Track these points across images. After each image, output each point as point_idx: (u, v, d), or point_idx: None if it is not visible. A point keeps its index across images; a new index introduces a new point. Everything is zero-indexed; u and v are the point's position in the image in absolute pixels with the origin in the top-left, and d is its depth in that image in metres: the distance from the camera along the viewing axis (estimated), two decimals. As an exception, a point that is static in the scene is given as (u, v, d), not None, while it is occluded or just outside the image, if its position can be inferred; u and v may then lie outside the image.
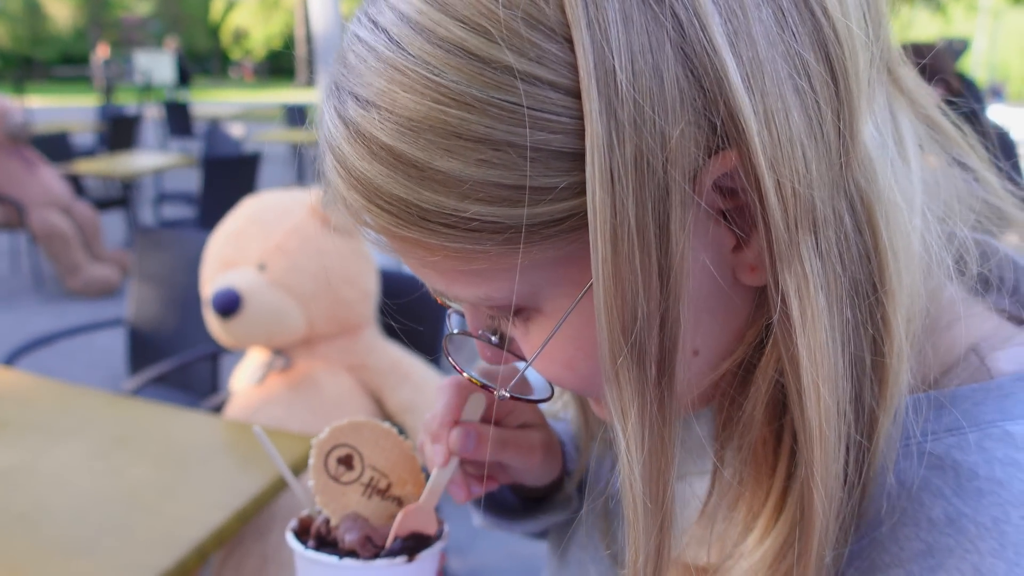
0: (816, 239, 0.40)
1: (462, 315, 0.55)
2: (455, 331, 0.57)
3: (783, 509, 0.45)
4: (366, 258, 2.21)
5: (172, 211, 7.11)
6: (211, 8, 43.29)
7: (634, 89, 0.36)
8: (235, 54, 45.01)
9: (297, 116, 11.01)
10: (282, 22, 41.82)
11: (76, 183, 6.76)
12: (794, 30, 0.39)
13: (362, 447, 0.60)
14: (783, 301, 0.41)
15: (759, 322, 0.45)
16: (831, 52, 0.39)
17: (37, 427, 1.75)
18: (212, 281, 2.10)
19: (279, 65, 55.13)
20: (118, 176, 6.51)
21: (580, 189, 0.39)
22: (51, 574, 1.24)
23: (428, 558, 0.59)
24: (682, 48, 0.37)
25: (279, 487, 1.51)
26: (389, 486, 0.61)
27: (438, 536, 0.61)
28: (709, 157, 0.38)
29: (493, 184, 0.39)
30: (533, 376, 0.56)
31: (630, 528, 0.44)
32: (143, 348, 2.89)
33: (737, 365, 0.47)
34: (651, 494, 0.43)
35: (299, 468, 0.54)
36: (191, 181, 10.01)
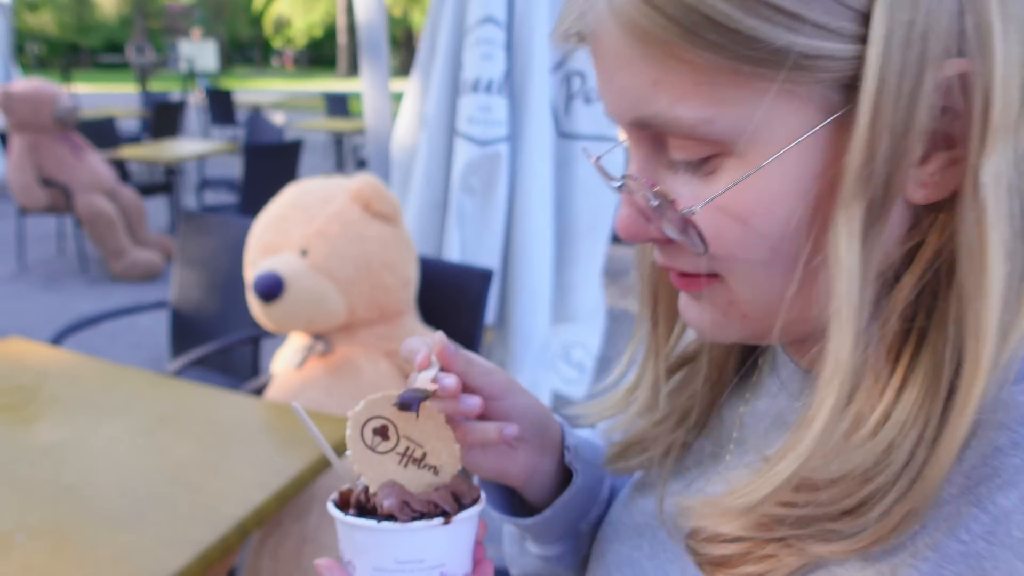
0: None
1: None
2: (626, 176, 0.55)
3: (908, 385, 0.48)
4: (407, 245, 2.22)
5: (214, 197, 7.21)
6: (253, -3, 43.70)
7: None
8: (276, 43, 45.39)
9: (337, 105, 11.08)
10: (324, 11, 42.06)
11: (121, 168, 6.88)
12: None
13: (396, 418, 0.61)
14: (978, 192, 0.44)
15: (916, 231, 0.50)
16: None
17: (84, 405, 1.79)
18: (255, 265, 2.12)
19: (320, 54, 55.54)
20: (162, 162, 6.61)
21: (852, 39, 0.43)
22: (99, 544, 1.27)
23: (466, 521, 0.60)
24: None
25: (318, 468, 1.53)
26: (424, 455, 0.62)
27: (475, 502, 0.62)
28: (948, 58, 0.43)
29: (776, 6, 0.42)
30: None
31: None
32: (186, 331, 2.94)
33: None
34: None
35: (339, 450, 0.55)
36: (233, 168, 10.14)
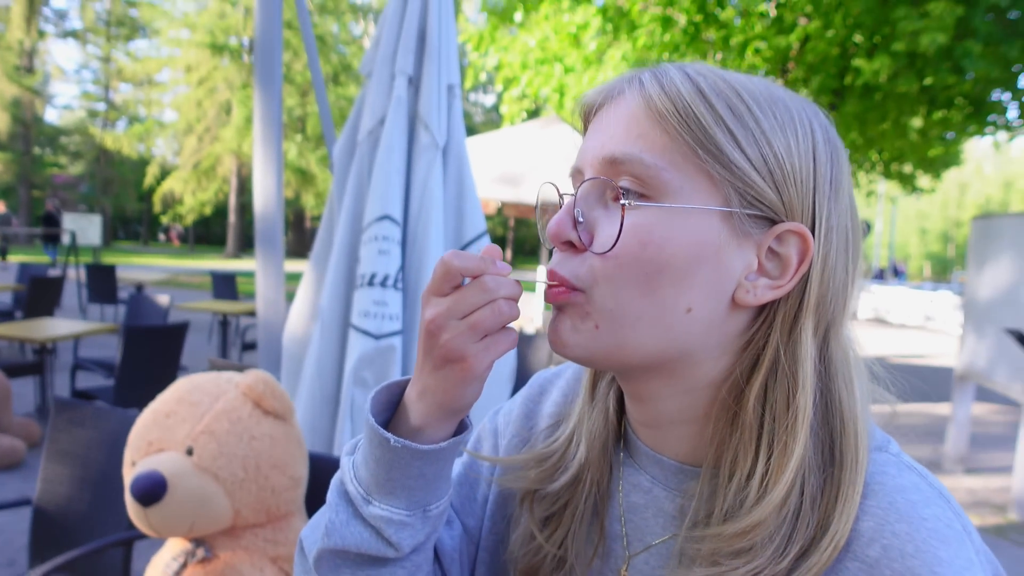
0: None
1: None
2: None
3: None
4: (298, 443, 2.18)
5: (88, 379, 6.88)
6: (146, 172, 43.69)
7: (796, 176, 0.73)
8: (165, 219, 45.14)
9: (225, 285, 10.97)
10: (215, 190, 42.38)
11: (-12, 347, 6.51)
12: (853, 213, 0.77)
13: None
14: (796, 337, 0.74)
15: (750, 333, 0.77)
16: (856, 239, 0.77)
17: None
18: (135, 464, 2.03)
19: (209, 232, 55.45)
20: (35, 341, 6.32)
21: (768, 187, 0.73)
22: None
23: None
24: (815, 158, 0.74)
25: None
26: None
27: None
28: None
29: (735, 138, 0.71)
30: None
31: None
32: (49, 532, 2.73)
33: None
34: None
35: None
36: (110, 348, 9.77)
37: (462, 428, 0.81)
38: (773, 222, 0.72)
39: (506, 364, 3.21)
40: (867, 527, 0.68)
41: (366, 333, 2.87)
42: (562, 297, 0.75)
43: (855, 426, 0.72)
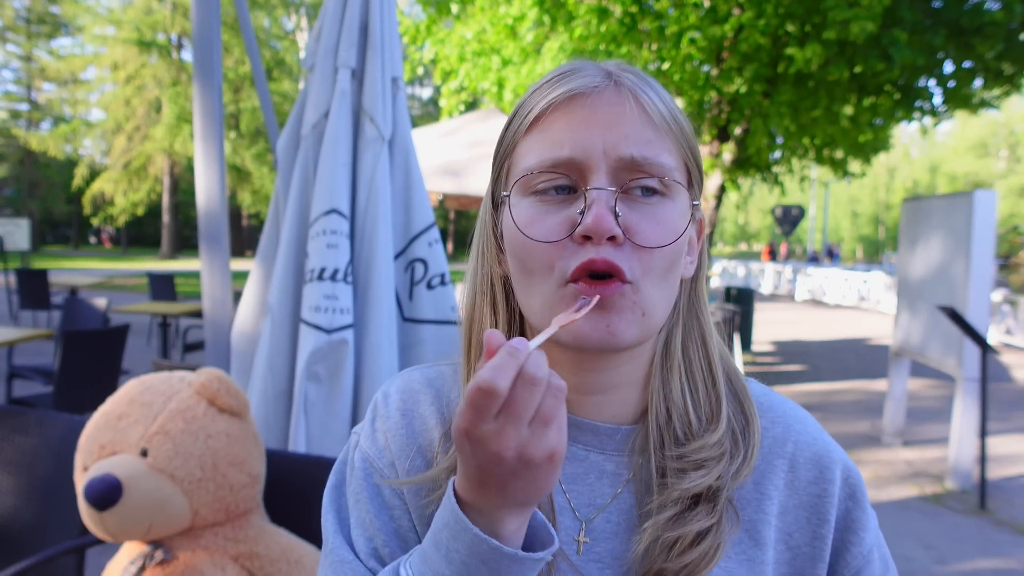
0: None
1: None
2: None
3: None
4: (255, 439, 2.16)
5: (25, 388, 6.68)
6: (74, 174, 42.43)
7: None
8: (95, 221, 43.93)
9: (163, 287, 10.74)
10: (148, 190, 41.37)
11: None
12: None
13: None
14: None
15: None
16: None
17: None
18: (88, 469, 1.99)
19: (142, 234, 54.12)
20: (-35, 350, 6.12)
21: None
22: None
23: None
24: None
25: None
26: None
27: None
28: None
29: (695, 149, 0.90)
30: None
31: None
32: (-5, 542, 2.65)
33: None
34: None
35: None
36: (46, 355, 9.49)
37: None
38: (696, 207, 0.90)
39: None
40: (778, 431, 0.95)
41: (317, 328, 2.85)
42: (617, 290, 0.81)
43: (731, 362, 0.96)
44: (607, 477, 0.91)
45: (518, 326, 0.95)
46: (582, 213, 0.81)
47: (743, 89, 10.29)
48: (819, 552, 0.91)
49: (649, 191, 0.83)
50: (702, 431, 0.89)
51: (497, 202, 0.94)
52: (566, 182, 0.83)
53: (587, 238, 0.81)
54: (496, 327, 0.93)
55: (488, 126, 9.09)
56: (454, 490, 0.74)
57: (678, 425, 0.89)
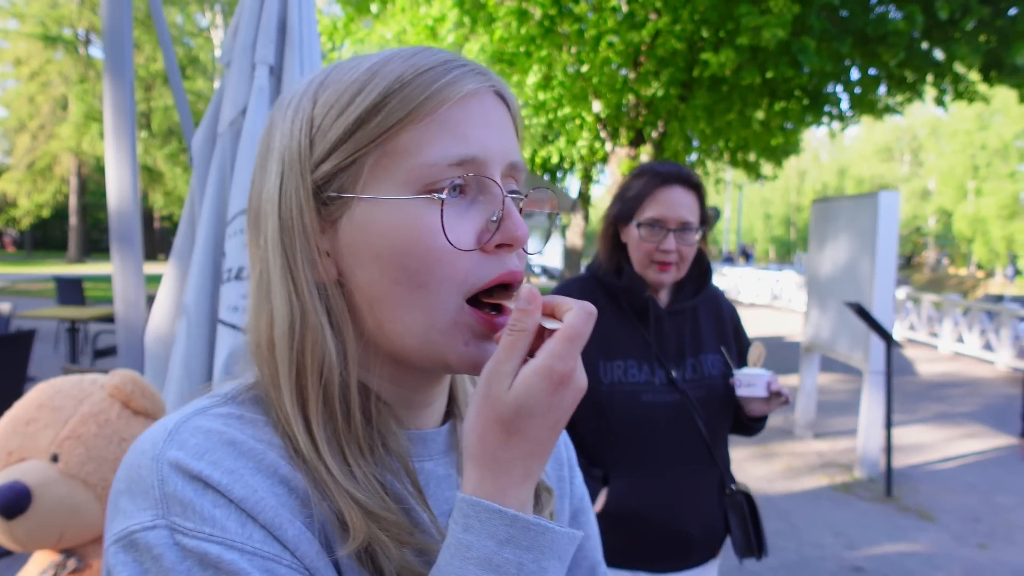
0: None
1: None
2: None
3: None
4: (171, 443, 2.10)
5: (-80, 396, 6.34)
6: (-28, 175, 40.52)
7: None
8: (-3, 223, 42.07)
9: (71, 291, 10.37)
10: (53, 190, 39.78)
11: None
12: None
13: None
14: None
15: None
16: None
17: None
18: (-6, 476, 1.91)
19: (48, 237, 52.01)
20: None
21: None
22: None
23: None
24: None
25: None
26: None
27: None
28: None
29: None
30: None
31: None
32: None
33: None
34: None
35: None
36: (-57, 361, 9.02)
37: None
38: None
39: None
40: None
41: (235, 328, 2.80)
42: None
43: None
44: (443, 481, 0.87)
45: (362, 348, 0.81)
46: (497, 220, 0.77)
47: (660, 93, 10.51)
48: (564, 491, 1.09)
49: (517, 199, 0.82)
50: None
51: (329, 195, 0.78)
52: (461, 182, 0.76)
53: (500, 246, 0.78)
54: (343, 349, 0.78)
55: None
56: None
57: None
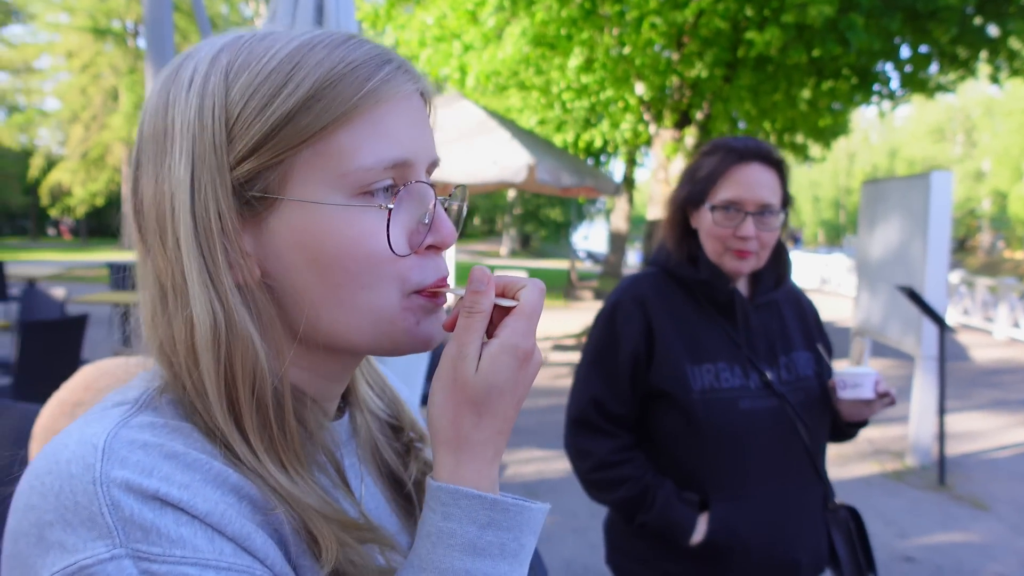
0: None
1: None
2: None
3: None
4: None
5: (-19, 380, 6.55)
6: (30, 164, 41.57)
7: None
8: (53, 212, 43.16)
9: (122, 276, 10.60)
10: (106, 180, 40.70)
11: None
12: None
13: None
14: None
15: None
16: None
17: None
18: (43, 457, 1.96)
19: (102, 224, 53.26)
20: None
21: None
22: None
23: None
24: None
25: None
26: None
27: None
28: None
29: None
30: None
31: None
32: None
33: None
34: None
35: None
36: (4, 346, 9.32)
37: None
38: None
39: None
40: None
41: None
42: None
43: None
44: (350, 471, 0.86)
45: (295, 349, 0.77)
46: (429, 222, 0.77)
47: (704, 74, 10.38)
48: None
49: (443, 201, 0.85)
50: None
51: (253, 195, 0.73)
52: (393, 184, 0.75)
53: (430, 248, 0.79)
54: (274, 354, 0.74)
55: (453, 111, 9.07)
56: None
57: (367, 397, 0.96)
